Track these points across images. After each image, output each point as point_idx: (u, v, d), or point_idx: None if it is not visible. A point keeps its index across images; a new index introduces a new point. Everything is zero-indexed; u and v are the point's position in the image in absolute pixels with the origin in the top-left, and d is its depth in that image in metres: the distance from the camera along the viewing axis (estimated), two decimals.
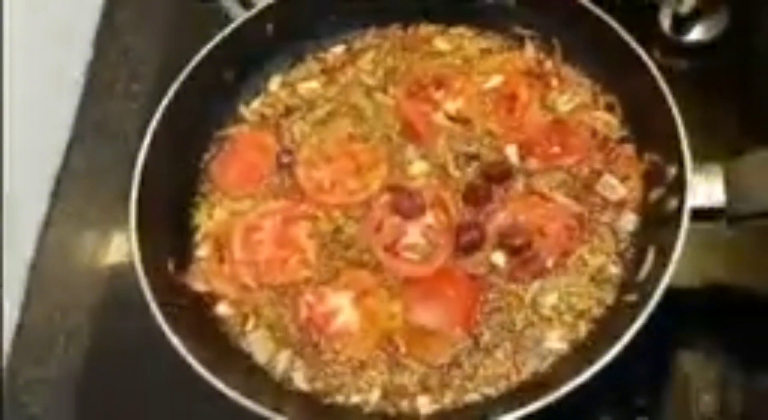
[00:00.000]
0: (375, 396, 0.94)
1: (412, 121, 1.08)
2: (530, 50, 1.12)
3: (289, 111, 1.13)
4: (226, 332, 1.00)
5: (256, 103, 1.14)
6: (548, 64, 1.11)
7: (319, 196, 1.05)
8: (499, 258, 0.99)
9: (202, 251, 1.05)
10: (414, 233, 1.02)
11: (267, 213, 1.05)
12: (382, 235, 1.01)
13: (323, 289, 1.00)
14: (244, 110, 1.14)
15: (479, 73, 1.11)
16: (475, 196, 1.02)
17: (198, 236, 1.06)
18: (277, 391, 0.95)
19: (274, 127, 1.12)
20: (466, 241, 0.99)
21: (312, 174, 1.07)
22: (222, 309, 1.01)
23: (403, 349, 0.96)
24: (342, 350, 0.97)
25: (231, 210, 1.07)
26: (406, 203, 1.02)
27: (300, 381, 0.96)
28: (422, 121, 1.08)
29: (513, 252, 0.99)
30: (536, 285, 0.97)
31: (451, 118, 1.09)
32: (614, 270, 0.97)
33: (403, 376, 0.94)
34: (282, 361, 0.97)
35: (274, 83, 1.15)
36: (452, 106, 1.09)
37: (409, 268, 0.99)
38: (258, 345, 0.98)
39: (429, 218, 1.02)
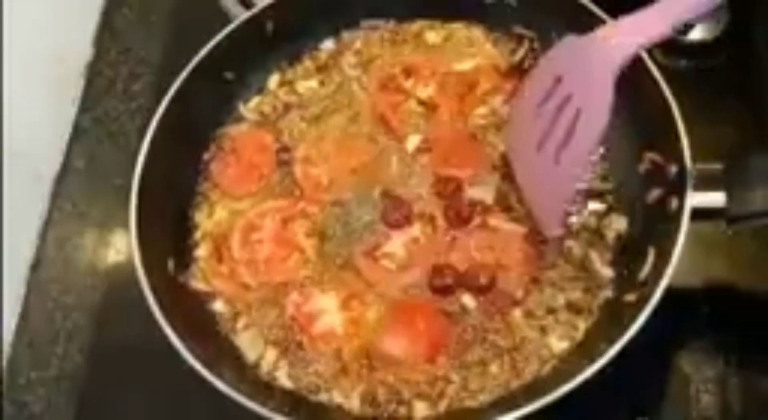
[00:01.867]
0: (356, 398, 0.93)
1: (385, 113, 1.08)
2: (520, 53, 1.11)
3: (287, 109, 1.13)
4: (221, 330, 0.99)
5: (254, 102, 1.14)
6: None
7: (316, 193, 1.05)
8: (468, 300, 0.97)
9: (202, 250, 1.04)
10: (396, 243, 1.01)
11: (266, 212, 1.05)
12: (365, 240, 1.01)
13: (310, 289, 0.99)
14: (243, 109, 1.14)
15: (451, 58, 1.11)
16: (458, 218, 1.00)
17: (197, 235, 1.06)
18: (266, 389, 0.94)
19: (273, 126, 1.12)
20: (440, 285, 0.97)
21: (309, 171, 1.07)
22: (218, 307, 1.01)
23: (376, 365, 0.95)
24: (324, 351, 0.96)
25: (230, 209, 1.07)
26: (393, 212, 1.01)
27: (284, 379, 0.95)
28: (395, 114, 1.08)
29: (479, 291, 0.96)
30: (518, 312, 0.95)
31: (422, 103, 1.08)
32: (613, 270, 0.97)
33: (383, 386, 0.94)
34: (268, 360, 0.97)
35: (273, 82, 1.15)
36: (423, 92, 1.09)
37: (380, 275, 0.98)
38: (248, 343, 0.98)
39: (416, 230, 1.01)
